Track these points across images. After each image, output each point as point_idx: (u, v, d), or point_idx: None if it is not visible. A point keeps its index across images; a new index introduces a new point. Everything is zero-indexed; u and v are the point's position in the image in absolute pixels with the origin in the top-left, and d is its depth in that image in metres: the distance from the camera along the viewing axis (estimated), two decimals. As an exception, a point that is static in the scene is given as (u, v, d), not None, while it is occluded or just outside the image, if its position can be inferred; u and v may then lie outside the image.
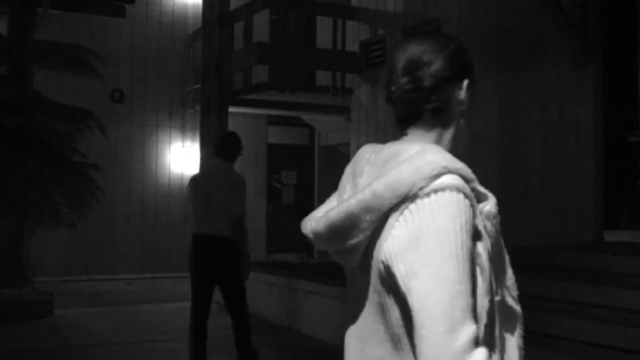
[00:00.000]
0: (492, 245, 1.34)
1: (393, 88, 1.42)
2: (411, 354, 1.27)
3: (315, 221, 1.36)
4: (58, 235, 8.28)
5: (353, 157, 1.49)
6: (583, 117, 6.78)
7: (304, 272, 7.88)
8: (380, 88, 1.56)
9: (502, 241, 1.40)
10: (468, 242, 1.23)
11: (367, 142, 1.56)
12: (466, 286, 1.19)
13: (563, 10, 6.67)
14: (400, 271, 1.23)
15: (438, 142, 1.42)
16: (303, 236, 1.42)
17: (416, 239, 1.22)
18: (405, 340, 1.29)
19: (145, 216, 12.25)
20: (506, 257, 1.43)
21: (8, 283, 8.13)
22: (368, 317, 1.36)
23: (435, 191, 1.25)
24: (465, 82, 1.44)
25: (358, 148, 1.51)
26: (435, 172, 1.26)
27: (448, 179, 1.26)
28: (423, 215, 1.23)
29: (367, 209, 1.27)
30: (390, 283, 1.28)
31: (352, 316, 1.42)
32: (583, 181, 6.76)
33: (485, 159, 7.46)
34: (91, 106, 8.02)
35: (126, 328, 7.77)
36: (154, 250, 12.16)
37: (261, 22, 11.58)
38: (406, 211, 1.26)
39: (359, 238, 1.30)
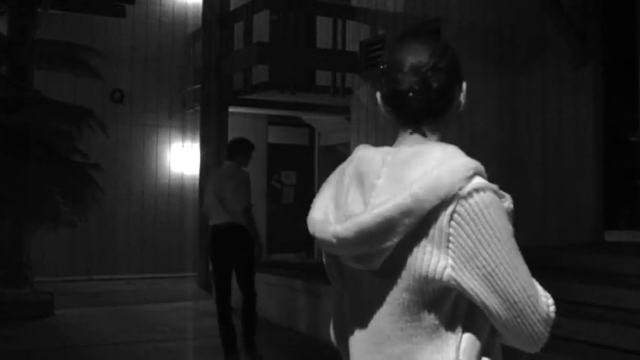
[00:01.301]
0: None
1: (404, 87, 1.41)
2: (452, 338, 1.34)
3: (340, 226, 1.35)
4: (58, 235, 8.26)
5: (350, 157, 1.48)
6: (583, 117, 6.78)
7: (304, 272, 7.88)
8: (377, 84, 1.55)
9: None
10: (513, 230, 1.36)
11: (367, 142, 1.56)
12: (524, 263, 1.35)
13: (563, 10, 6.67)
14: (474, 274, 1.30)
15: (439, 139, 1.45)
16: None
17: (479, 242, 1.30)
18: (443, 328, 1.34)
19: (145, 216, 12.25)
20: None
21: (8, 283, 8.11)
22: (387, 317, 1.37)
23: (477, 190, 1.31)
24: (464, 85, 1.49)
25: (358, 148, 1.50)
26: (470, 173, 1.33)
27: (481, 179, 1.34)
28: (475, 217, 1.30)
29: (407, 213, 1.29)
30: (436, 280, 1.31)
31: (359, 320, 1.42)
32: (583, 181, 6.76)
33: (485, 159, 7.42)
34: (91, 106, 7.99)
35: (126, 328, 7.78)
36: (154, 250, 12.16)
37: (261, 22, 11.57)
38: (456, 215, 1.30)
39: (392, 241, 1.31)
